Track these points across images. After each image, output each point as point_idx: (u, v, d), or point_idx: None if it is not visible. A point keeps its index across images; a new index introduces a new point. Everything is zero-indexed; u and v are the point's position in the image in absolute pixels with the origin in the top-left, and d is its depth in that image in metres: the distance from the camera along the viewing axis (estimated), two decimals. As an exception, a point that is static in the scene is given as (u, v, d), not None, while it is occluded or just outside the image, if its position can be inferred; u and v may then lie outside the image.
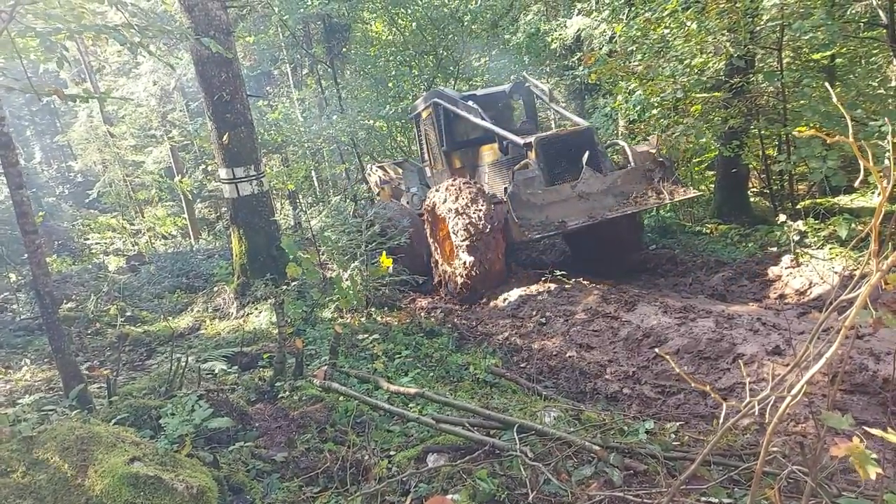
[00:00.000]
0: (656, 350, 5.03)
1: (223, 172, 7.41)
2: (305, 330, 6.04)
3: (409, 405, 3.75)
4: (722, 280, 6.69)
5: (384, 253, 6.19)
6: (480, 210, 6.76)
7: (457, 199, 6.96)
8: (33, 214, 4.16)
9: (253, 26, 20.07)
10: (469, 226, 6.74)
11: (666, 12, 9.59)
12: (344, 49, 16.27)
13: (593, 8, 16.40)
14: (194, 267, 11.62)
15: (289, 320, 6.07)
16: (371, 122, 15.17)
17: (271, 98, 18.24)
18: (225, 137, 7.12)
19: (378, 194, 10.62)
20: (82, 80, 23.82)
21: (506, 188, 6.98)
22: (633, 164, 7.24)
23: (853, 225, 6.49)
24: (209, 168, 26.18)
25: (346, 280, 5.89)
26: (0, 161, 3.93)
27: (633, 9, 11.85)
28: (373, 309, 6.67)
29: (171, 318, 7.61)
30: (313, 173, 18.86)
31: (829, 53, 8.99)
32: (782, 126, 7.93)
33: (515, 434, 2.64)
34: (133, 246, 20.46)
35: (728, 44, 8.38)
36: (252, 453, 2.85)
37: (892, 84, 8.18)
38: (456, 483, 2.45)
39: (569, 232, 6.60)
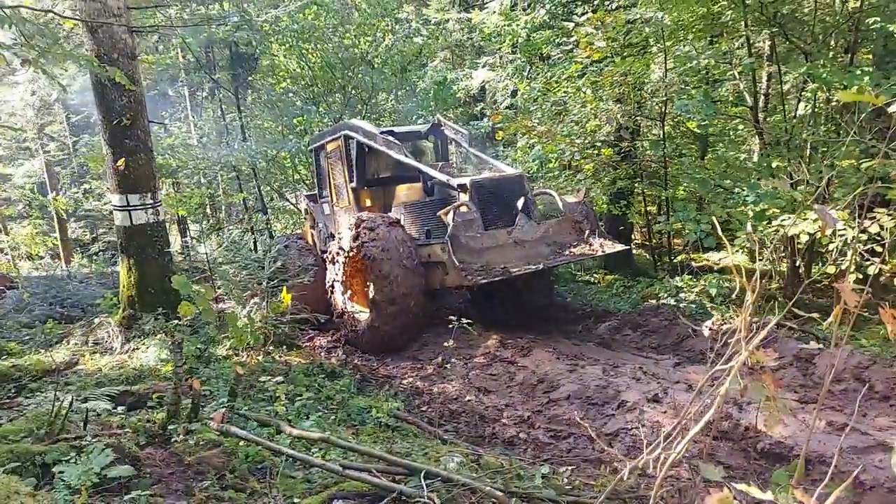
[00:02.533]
0: (550, 396, 5.32)
1: (116, 199, 7.06)
2: (199, 368, 5.82)
3: (312, 450, 3.74)
4: (608, 329, 7.18)
5: (284, 289, 6.11)
6: (405, 250, 6.57)
7: (376, 236, 6.67)
8: None
9: (151, 46, 19.35)
10: (391, 267, 6.48)
11: (564, 76, 10.37)
12: (250, 78, 16.04)
13: (497, 63, 17.32)
14: (70, 294, 10.79)
15: (183, 359, 5.83)
16: (273, 152, 14.96)
17: (167, 121, 17.54)
18: (120, 162, 6.82)
19: (303, 222, 10.28)
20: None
21: (428, 230, 6.89)
22: (564, 213, 7.19)
23: (722, 283, 7.23)
24: (93, 187, 24.60)
25: (244, 317, 5.76)
26: None
27: (534, 68, 12.66)
28: (271, 347, 6.54)
29: (43, 352, 7.04)
30: (207, 201, 18.23)
31: (704, 123, 10.04)
32: (663, 189, 8.71)
33: (422, 480, 2.73)
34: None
35: (618, 113, 9.16)
36: (149, 503, 2.74)
37: (755, 158, 9.23)
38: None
39: (505, 278, 6.27)
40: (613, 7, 10.20)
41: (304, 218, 10.02)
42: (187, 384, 4.37)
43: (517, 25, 13.89)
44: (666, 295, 7.76)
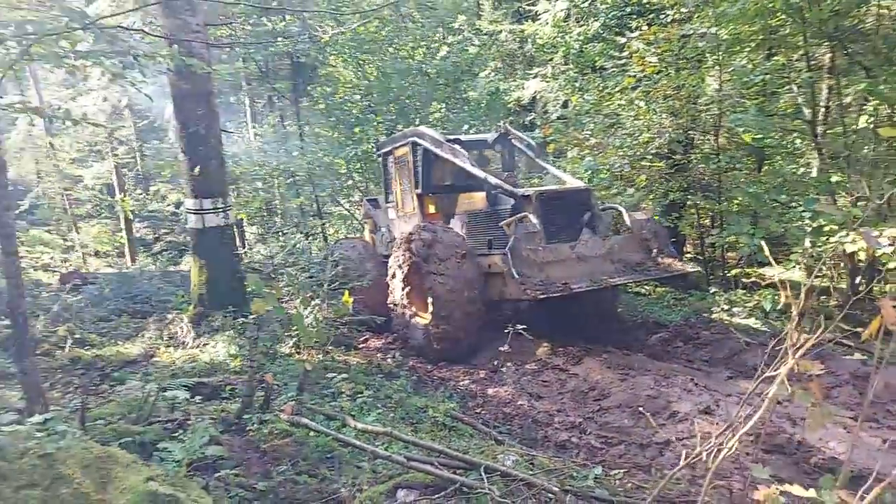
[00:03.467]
0: (600, 403, 5.45)
1: (190, 203, 7.53)
2: (266, 364, 6.17)
3: (375, 443, 3.98)
4: (659, 340, 7.23)
5: (347, 292, 6.41)
6: (465, 261, 6.55)
7: (436, 246, 6.68)
8: (15, 237, 4.24)
9: (215, 57, 20.20)
10: (450, 278, 6.47)
11: (617, 88, 10.45)
12: (309, 87, 16.61)
13: (549, 74, 17.47)
14: (140, 291, 11.42)
15: (257, 354, 6.20)
16: (329, 159, 15.45)
17: (231, 130, 18.32)
18: (196, 169, 7.28)
19: (364, 227, 10.39)
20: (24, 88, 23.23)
21: (490, 240, 6.78)
22: (631, 230, 7.02)
23: (776, 298, 7.19)
24: (157, 189, 25.76)
25: (309, 317, 6.08)
26: (-9, 182, 4.04)
27: (587, 79, 12.76)
28: (330, 347, 6.86)
29: (121, 344, 7.54)
30: (264, 206, 18.91)
31: (759, 136, 9.95)
32: (716, 203, 8.70)
33: (483, 474, 2.93)
34: (64, 263, 19.78)
35: (671, 126, 9.19)
36: (235, 482, 3.02)
37: (813, 174, 9.11)
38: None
39: (568, 295, 6.05)
40: (668, 20, 10.26)
41: (364, 222, 10.17)
42: (260, 378, 4.69)
43: (570, 37, 14.03)
44: (718, 309, 7.76)
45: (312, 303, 6.84)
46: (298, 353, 6.76)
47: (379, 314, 7.51)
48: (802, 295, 1.93)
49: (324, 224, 17.78)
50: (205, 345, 7.09)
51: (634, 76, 8.64)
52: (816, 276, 9.60)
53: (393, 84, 14.61)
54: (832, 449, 4.19)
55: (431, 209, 8.07)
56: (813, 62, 8.56)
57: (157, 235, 27.56)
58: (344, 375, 4.95)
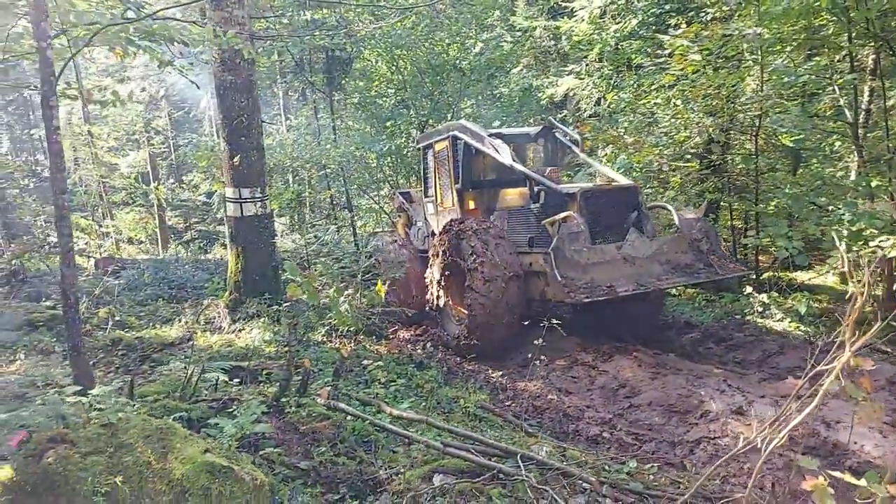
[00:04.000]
0: (631, 401, 5.46)
1: (230, 192, 7.70)
2: (300, 350, 6.31)
3: (409, 429, 4.07)
4: (690, 341, 7.19)
5: (380, 282, 6.51)
6: (505, 259, 6.41)
7: (475, 242, 6.57)
8: (70, 220, 4.42)
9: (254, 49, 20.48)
10: (489, 276, 6.33)
11: (653, 86, 10.38)
12: (343, 81, 16.77)
13: (584, 71, 17.39)
14: (177, 277, 11.71)
15: (296, 339, 6.34)
16: (360, 153, 15.59)
17: (266, 121, 18.60)
18: (236, 159, 7.44)
19: (397, 220, 10.38)
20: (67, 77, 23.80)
21: (532, 238, 6.62)
22: (680, 230, 6.73)
23: (811, 303, 7.10)
24: (193, 179, 26.27)
25: (344, 305, 6.19)
26: (51, 166, 4.21)
27: (622, 77, 12.68)
28: (361, 336, 6.98)
29: (159, 327, 7.76)
30: (296, 197, 19.16)
31: (799, 137, 9.78)
32: (753, 204, 8.60)
33: (521, 461, 2.99)
34: (99, 248, 20.29)
35: (709, 126, 9.08)
36: (278, 459, 3.13)
37: (852, 177, 8.95)
38: (469, 500, 2.78)
39: (613, 298, 5.81)
40: (709, 18, 10.15)
41: (398, 215, 10.14)
42: (297, 363, 4.81)
43: (606, 34, 13.93)
44: (752, 311, 7.69)
45: (346, 291, 6.97)
46: (330, 340, 6.89)
47: (410, 307, 7.59)
48: (859, 296, 1.96)
49: (353, 216, 17.97)
50: (240, 330, 7.27)
51: (674, 74, 8.54)
52: (853, 280, 9.45)
53: (427, 79, 14.69)
54: (867, 452, 4.15)
55: (471, 204, 7.95)
56: (857, 63, 8.41)
57: (188, 224, 28.16)
58: (378, 363, 5.04)
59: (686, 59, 8.00)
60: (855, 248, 7.25)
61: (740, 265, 6.96)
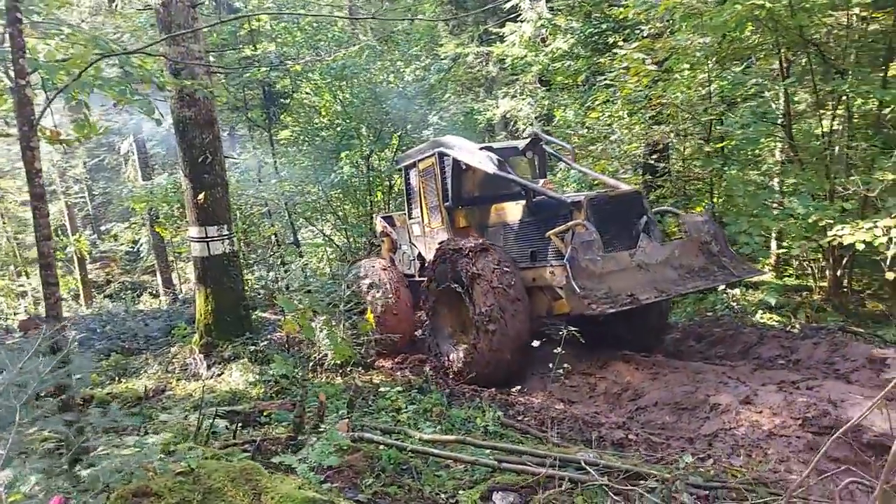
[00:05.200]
0: (636, 403, 5.52)
1: (194, 231, 7.38)
2: (291, 388, 6.06)
3: (445, 451, 3.94)
4: (672, 341, 7.38)
5: (370, 310, 6.37)
6: (507, 279, 6.16)
7: (473, 264, 6.31)
8: (55, 266, 4.11)
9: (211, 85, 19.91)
10: (490, 299, 6.08)
11: (598, 101, 10.78)
12: (283, 115, 16.54)
13: (519, 93, 17.90)
14: (125, 329, 11.07)
15: (279, 377, 6.09)
16: (304, 187, 15.39)
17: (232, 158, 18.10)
18: (201, 196, 7.16)
19: (380, 246, 10.08)
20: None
21: (534, 252, 6.45)
22: (689, 233, 6.62)
23: (780, 295, 7.46)
24: (112, 229, 25.07)
25: (336, 337, 6.01)
26: (33, 212, 3.90)
27: (566, 95, 13.10)
28: (350, 368, 6.79)
29: (126, 381, 7.29)
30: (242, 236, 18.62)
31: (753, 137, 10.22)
32: (711, 204, 8.99)
33: (588, 467, 2.94)
34: (15, 310, 19.00)
35: (658, 133, 9.50)
36: (337, 494, 2.96)
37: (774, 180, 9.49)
38: (550, 511, 2.71)
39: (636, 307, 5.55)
40: (644, 35, 10.67)
41: (381, 241, 9.82)
42: (301, 399, 4.60)
43: (542, 56, 14.41)
44: (723, 306, 7.98)
45: (331, 323, 6.78)
46: (316, 375, 6.66)
47: (397, 334, 7.40)
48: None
49: (301, 252, 17.60)
50: (219, 375, 6.92)
51: (630, 87, 8.88)
52: (803, 274, 10.00)
53: (368, 109, 14.69)
54: (879, 426, 4.33)
55: (462, 222, 7.66)
56: (786, 67, 9.01)
57: (108, 277, 26.76)
58: (398, 389, 4.90)
59: (641, 72, 8.34)
60: (813, 239, 7.71)
61: (754, 265, 6.94)
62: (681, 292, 6.07)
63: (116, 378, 7.49)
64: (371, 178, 15.22)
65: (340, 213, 16.52)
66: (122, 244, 25.98)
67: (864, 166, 8.46)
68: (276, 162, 16.32)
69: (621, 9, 9.05)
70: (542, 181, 7.23)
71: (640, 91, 8.82)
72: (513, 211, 7.07)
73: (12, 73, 4.06)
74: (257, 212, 17.33)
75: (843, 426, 4.41)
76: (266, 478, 2.14)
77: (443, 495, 3.22)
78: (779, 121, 8.94)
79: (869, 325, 7.33)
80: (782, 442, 4.32)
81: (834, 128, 8.53)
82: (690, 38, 7.76)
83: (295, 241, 17.84)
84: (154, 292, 21.93)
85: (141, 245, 25.07)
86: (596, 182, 8.39)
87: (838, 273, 8.92)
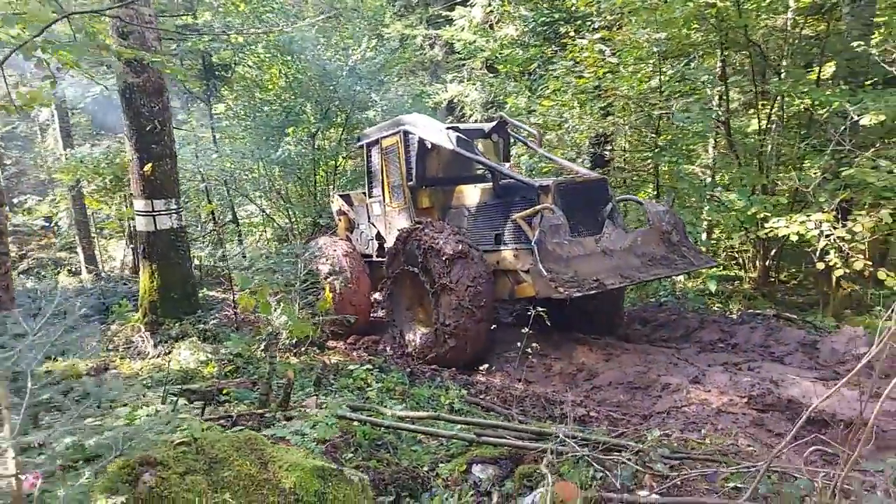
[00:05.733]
0: (592, 382, 5.73)
1: (140, 204, 7.06)
2: (245, 366, 5.94)
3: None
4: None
5: (327, 290, 6.30)
6: (472, 262, 6.15)
7: (439, 246, 6.26)
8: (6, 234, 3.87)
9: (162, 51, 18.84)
10: (456, 282, 6.08)
11: (549, 90, 10.97)
12: (223, 89, 15.97)
13: (467, 78, 17.97)
14: (57, 306, 10.49)
15: (233, 355, 5.95)
16: (250, 164, 14.94)
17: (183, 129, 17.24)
18: (147, 167, 6.85)
19: (336, 224, 9.82)
20: None
21: (498, 235, 6.49)
22: (652, 223, 6.70)
23: (719, 282, 7.87)
24: (27, 201, 23.62)
25: (294, 315, 5.91)
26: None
27: (517, 82, 13.23)
28: (304, 348, 6.71)
29: (62, 358, 6.93)
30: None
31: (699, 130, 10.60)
32: (655, 196, 9.36)
33: (571, 441, 3.05)
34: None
35: (608, 124, 9.79)
36: (321, 468, 2.95)
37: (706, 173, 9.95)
38: (536, 482, 2.80)
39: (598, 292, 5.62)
40: (595, 27, 10.92)
41: (338, 219, 9.63)
42: (283, 375, 4.53)
43: (494, 42, 14.51)
44: (665, 292, 8.35)
45: (288, 301, 6.66)
46: (267, 353, 6.55)
47: (354, 314, 7.32)
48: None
49: (240, 231, 17.12)
50: (166, 353, 6.68)
51: (587, 77, 9.05)
52: (731, 264, 10.57)
53: (314, 87, 14.38)
54: (816, 404, 4.66)
55: (425, 203, 7.57)
56: (728, 66, 9.45)
57: (22, 252, 25.24)
58: (367, 368, 4.88)
59: (598, 63, 8.55)
60: (750, 230, 8.16)
61: (709, 256, 7.17)
62: (644, 279, 6.18)
63: (53, 357, 7.11)
64: (315, 158, 14.94)
65: (282, 192, 16.17)
66: (36, 219, 24.44)
67: (794, 163, 9.01)
68: (215, 136, 15.78)
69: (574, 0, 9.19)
70: (506, 165, 7.21)
71: (593, 82, 9.04)
72: (478, 193, 7.02)
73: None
74: (193, 188, 16.72)
75: (784, 403, 4.75)
76: (270, 447, 2.10)
77: (423, 468, 3.26)
78: (719, 117, 9.39)
79: (796, 312, 7.84)
80: (730, 418, 4.59)
81: (767, 125, 9.01)
82: (645, 32, 7.98)
83: (234, 219, 17.34)
84: (74, 269, 20.81)
85: (60, 219, 23.71)
86: (559, 168, 8.42)
87: (766, 264, 9.50)
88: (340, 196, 9.78)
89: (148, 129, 6.78)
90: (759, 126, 9.17)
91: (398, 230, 7.24)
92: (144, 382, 5.79)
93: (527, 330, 4.68)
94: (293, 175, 15.53)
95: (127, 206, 15.84)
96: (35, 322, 2.07)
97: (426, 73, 21.86)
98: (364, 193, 8.93)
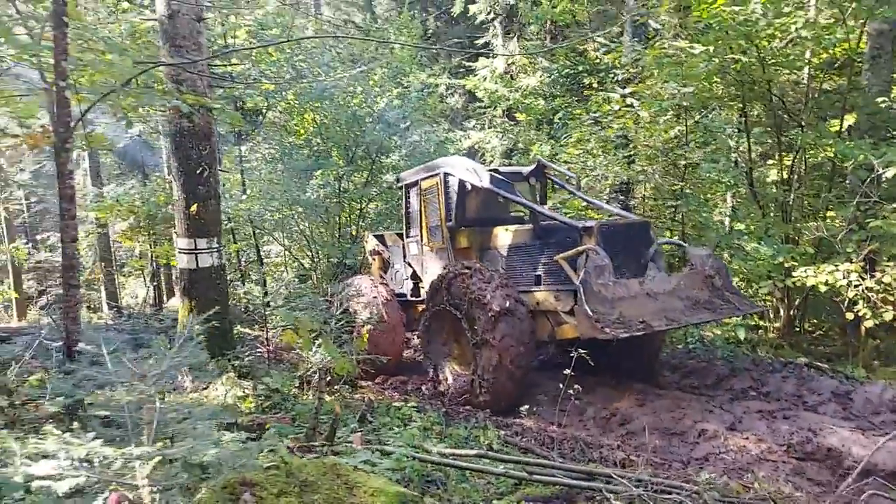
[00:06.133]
0: (626, 427, 5.76)
1: (183, 242, 7.30)
2: (282, 402, 6.06)
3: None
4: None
5: (364, 329, 6.43)
6: (513, 304, 6.16)
7: (481, 288, 6.34)
8: (79, 269, 4.07)
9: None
10: (497, 325, 6.09)
11: (574, 140, 11.28)
12: (253, 133, 16.47)
13: (486, 125, 18.44)
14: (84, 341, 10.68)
15: (271, 391, 6.07)
16: (278, 206, 15.28)
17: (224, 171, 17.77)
18: (193, 208, 7.11)
19: (370, 264, 9.84)
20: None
21: (539, 276, 6.51)
22: (695, 267, 6.61)
23: (748, 329, 7.92)
24: (49, 238, 24.13)
25: (335, 352, 6.04)
26: (61, 213, 3.87)
27: (541, 130, 13.58)
28: (337, 386, 6.80)
29: (99, 392, 7.07)
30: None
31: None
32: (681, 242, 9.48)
33: (629, 484, 3.12)
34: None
35: (639, 172, 10.01)
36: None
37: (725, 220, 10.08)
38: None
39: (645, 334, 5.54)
40: (618, 78, 11.28)
41: (372, 259, 9.69)
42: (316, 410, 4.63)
43: (518, 92, 14.96)
44: (694, 339, 8.39)
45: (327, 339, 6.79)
46: (302, 390, 6.66)
47: (387, 354, 7.35)
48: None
49: (263, 272, 17.39)
50: (204, 389, 6.81)
51: (614, 128, 9.33)
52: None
53: (342, 130, 14.81)
54: (857, 454, 4.67)
55: (464, 243, 7.64)
56: (750, 118, 9.69)
57: (43, 288, 25.59)
58: (412, 405, 4.97)
59: (628, 114, 8.83)
60: (778, 279, 8.23)
61: (753, 302, 7.19)
62: (691, 322, 6.14)
63: (92, 390, 7.26)
64: (341, 200, 15.26)
65: (307, 233, 16.46)
66: (58, 255, 24.78)
67: (817, 213, 9.14)
68: (244, 179, 16.20)
69: (606, 53, 9.53)
70: (546, 207, 7.34)
71: (619, 132, 9.32)
72: (517, 234, 7.07)
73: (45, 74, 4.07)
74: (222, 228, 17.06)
75: (824, 452, 4.77)
76: (353, 473, 2.22)
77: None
78: (742, 168, 9.59)
79: (824, 362, 7.83)
80: (770, 466, 4.62)
81: (789, 176, 9.18)
82: (675, 85, 8.26)
83: (259, 258, 17.63)
84: (92, 306, 21.11)
85: (82, 257, 24.15)
86: (598, 211, 8.52)
87: (791, 313, 9.53)
88: (374, 236, 9.89)
89: (197, 171, 7.07)
90: (781, 176, 9.33)
91: (440, 268, 7.40)
92: (185, 416, 5.91)
93: (569, 372, 4.76)
94: (319, 217, 15.86)
95: (152, 246, 16.24)
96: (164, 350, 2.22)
97: (445, 121, 22.40)
98: (398, 234, 9.06)
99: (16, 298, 21.81)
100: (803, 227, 8.72)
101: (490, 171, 7.39)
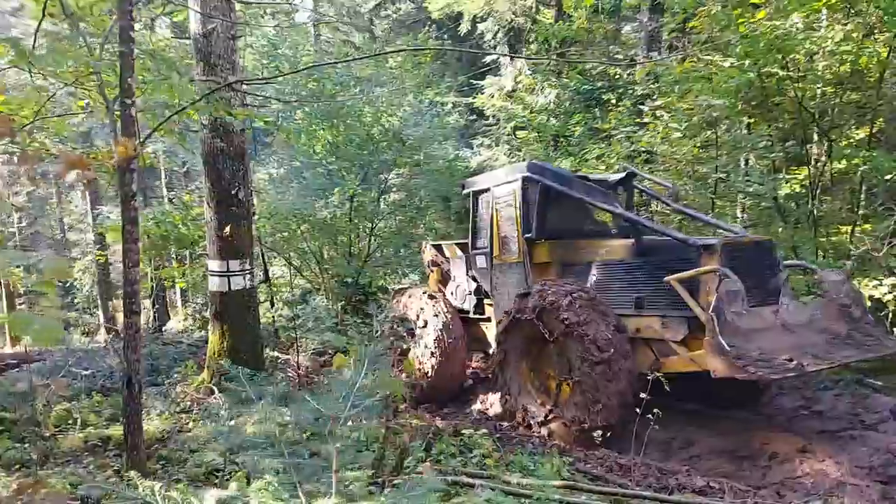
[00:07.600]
0: (688, 451, 5.56)
1: (215, 264, 7.10)
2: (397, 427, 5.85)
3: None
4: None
5: (411, 352, 6.23)
6: (613, 332, 5.51)
7: (576, 312, 5.61)
8: (139, 293, 3.87)
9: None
10: (593, 354, 5.43)
11: (592, 155, 11.20)
12: (264, 149, 16.36)
13: (493, 143, 18.42)
14: (97, 367, 10.39)
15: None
16: (288, 224, 15.12)
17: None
18: (227, 229, 6.93)
19: (427, 276, 9.26)
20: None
21: (640, 298, 5.81)
22: (829, 295, 5.76)
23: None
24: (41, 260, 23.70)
25: (387, 376, 5.83)
26: (123, 236, 3.67)
27: (554, 146, 13.52)
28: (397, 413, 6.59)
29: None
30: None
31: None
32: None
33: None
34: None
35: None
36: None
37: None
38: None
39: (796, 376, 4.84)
40: (638, 94, 11.24)
41: (430, 271, 9.03)
42: (391, 440, 4.43)
43: (523, 109, 14.93)
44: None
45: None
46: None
47: (452, 379, 7.01)
48: None
49: (271, 290, 17.17)
50: (239, 415, 6.56)
51: (645, 141, 9.26)
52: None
53: (356, 148, 14.71)
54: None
55: (543, 257, 6.85)
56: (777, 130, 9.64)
57: (38, 312, 25.18)
58: (483, 433, 4.77)
59: (665, 128, 8.76)
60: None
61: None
62: (840, 362, 5.17)
63: (117, 420, 7.00)
64: (352, 219, 15.11)
65: (317, 252, 16.26)
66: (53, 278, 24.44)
67: (849, 225, 9.06)
68: (255, 197, 16.02)
69: (632, 70, 9.48)
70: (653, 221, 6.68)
71: (648, 146, 9.25)
72: (613, 249, 6.31)
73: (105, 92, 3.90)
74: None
75: (912, 475, 4.59)
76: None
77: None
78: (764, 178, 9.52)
79: (871, 377, 7.66)
80: (856, 491, 4.43)
81: (818, 183, 9.11)
82: (706, 98, 8.20)
83: (266, 277, 17.40)
84: (86, 330, 20.72)
85: (77, 280, 23.86)
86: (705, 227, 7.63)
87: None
88: (433, 246, 9.18)
89: (231, 191, 6.90)
90: (811, 188, 9.25)
91: (513, 285, 6.86)
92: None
93: (645, 395, 4.58)
94: (330, 237, 15.68)
95: (153, 268, 15.96)
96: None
97: (453, 138, 22.36)
98: (458, 244, 8.44)
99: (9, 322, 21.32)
100: (838, 243, 8.63)
101: (579, 177, 6.82)
